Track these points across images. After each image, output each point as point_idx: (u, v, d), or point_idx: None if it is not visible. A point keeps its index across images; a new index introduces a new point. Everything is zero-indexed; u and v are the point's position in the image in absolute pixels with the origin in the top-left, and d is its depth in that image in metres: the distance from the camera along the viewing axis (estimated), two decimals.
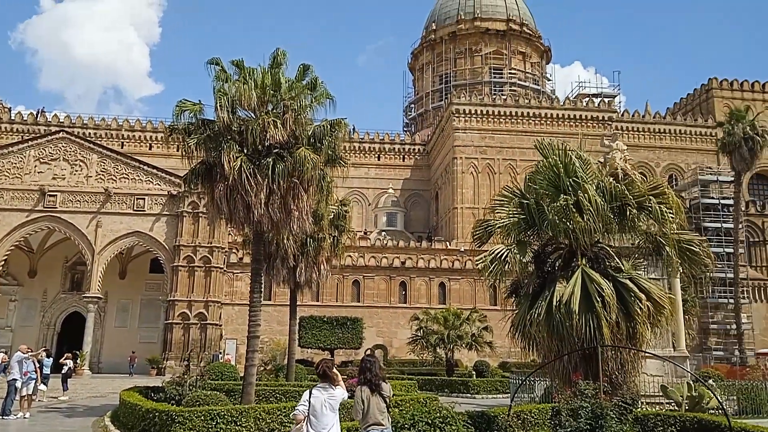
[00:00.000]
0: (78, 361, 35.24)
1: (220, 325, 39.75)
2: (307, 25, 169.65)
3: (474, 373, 34.31)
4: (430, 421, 10.66)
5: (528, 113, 60.44)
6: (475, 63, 70.95)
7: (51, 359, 25.70)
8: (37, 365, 19.68)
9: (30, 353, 19.03)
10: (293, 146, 16.59)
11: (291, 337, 26.17)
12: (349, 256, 46.51)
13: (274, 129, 16.02)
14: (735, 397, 19.13)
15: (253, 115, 16.89)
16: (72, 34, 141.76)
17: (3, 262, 37.22)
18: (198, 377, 17.48)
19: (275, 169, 16.23)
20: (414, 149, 68.87)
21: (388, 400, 7.80)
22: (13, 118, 62.57)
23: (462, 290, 48.29)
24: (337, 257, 26.89)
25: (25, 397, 18.08)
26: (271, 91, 16.84)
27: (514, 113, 60.29)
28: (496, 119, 60.24)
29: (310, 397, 7.36)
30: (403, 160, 68.52)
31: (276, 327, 42.88)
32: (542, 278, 13.21)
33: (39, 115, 62.70)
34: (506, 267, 13.03)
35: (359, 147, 67.19)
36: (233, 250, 43.53)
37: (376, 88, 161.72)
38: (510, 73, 70.35)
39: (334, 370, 7.70)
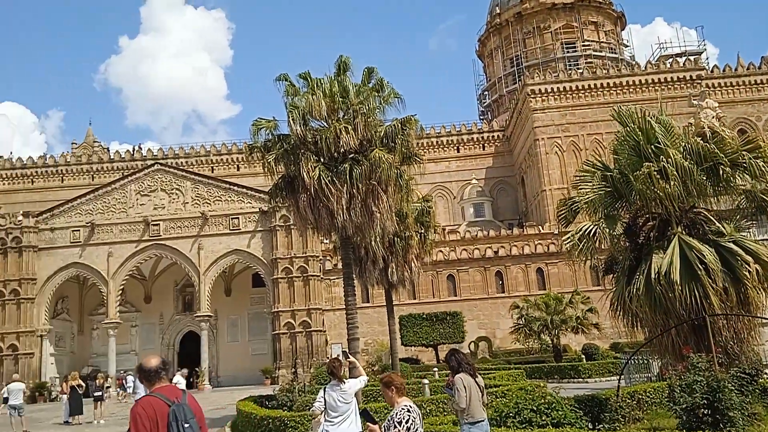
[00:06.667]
0: (198, 377, 37.75)
1: (324, 331, 40.82)
2: (376, 11, 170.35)
3: (583, 356, 33.41)
4: (535, 408, 10.51)
5: (608, 84, 57.94)
6: (545, 41, 68.84)
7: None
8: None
9: None
10: (367, 149, 16.92)
11: (392, 336, 26.39)
12: (440, 251, 46.39)
13: (346, 135, 16.42)
14: None
15: (325, 124, 17.38)
16: (150, 67, 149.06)
17: (121, 291, 40.10)
18: (305, 383, 18.08)
19: (352, 173, 16.63)
20: (493, 136, 67.77)
21: (483, 390, 7.80)
22: (112, 157, 67.70)
23: (561, 273, 46.93)
24: (427, 253, 26.93)
25: None
26: (340, 99, 17.28)
27: (592, 86, 58.02)
28: (574, 95, 58.19)
29: (324, 394, 8.29)
30: (483, 149, 67.58)
31: (377, 328, 43.43)
32: (637, 251, 12.64)
33: (135, 152, 67.37)
34: (596, 243, 12.58)
35: (437, 141, 67.08)
36: (327, 257, 44.59)
37: (449, 74, 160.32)
38: (583, 46, 67.75)
39: (347, 363, 9.25)
